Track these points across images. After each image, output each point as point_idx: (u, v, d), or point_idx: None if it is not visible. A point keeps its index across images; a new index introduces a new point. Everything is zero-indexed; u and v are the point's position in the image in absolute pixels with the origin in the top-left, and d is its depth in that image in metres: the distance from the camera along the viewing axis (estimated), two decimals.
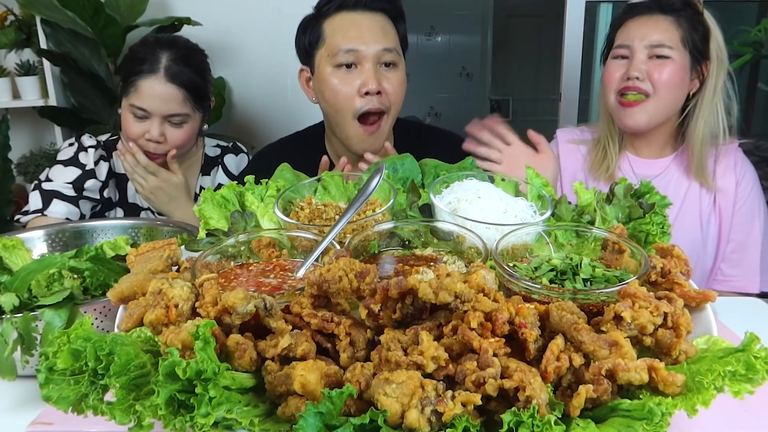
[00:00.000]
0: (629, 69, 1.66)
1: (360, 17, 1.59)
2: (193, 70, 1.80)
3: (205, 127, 1.92)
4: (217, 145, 2.05)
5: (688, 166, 1.76)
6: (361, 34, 1.56)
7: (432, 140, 1.86)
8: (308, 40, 1.64)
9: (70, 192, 1.81)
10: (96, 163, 1.86)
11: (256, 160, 1.90)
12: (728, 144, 1.76)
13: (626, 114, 1.69)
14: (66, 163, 1.84)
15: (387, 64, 1.60)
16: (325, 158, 1.53)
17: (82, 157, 1.85)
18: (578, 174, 1.85)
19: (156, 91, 1.74)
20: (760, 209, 1.77)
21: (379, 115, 1.60)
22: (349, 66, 1.57)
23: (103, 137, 1.94)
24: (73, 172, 1.82)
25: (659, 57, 1.64)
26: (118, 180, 1.92)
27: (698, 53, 1.66)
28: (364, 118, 1.60)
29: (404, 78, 1.65)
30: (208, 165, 2.01)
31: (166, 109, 1.75)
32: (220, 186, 1.99)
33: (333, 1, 1.60)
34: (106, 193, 1.88)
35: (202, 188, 1.93)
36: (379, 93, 1.57)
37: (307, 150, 1.74)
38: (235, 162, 2.04)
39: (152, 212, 1.93)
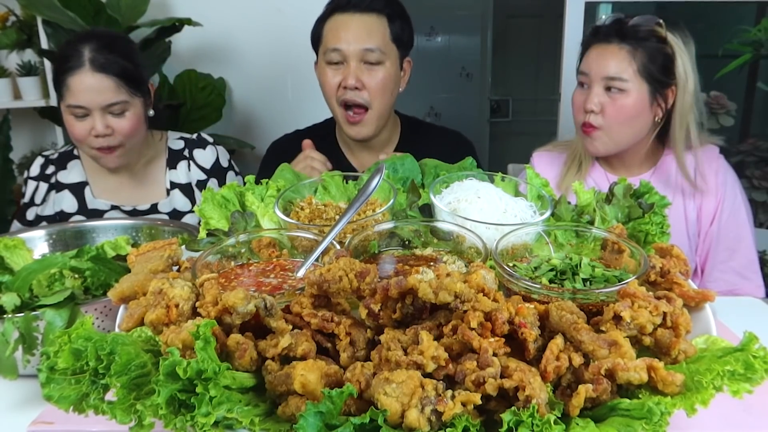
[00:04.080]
0: (586, 101, 1.67)
1: (350, 19, 1.74)
2: (120, 56, 1.75)
3: (151, 112, 1.86)
4: (181, 138, 2.00)
5: (672, 178, 1.77)
6: (347, 35, 1.73)
7: (434, 137, 1.98)
8: (313, 38, 1.84)
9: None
10: (35, 189, 1.87)
11: (272, 149, 2.03)
12: (707, 152, 1.77)
13: (585, 140, 1.73)
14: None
15: (371, 62, 1.73)
16: (306, 141, 1.74)
17: (26, 191, 1.89)
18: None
19: (86, 85, 1.69)
20: (747, 209, 1.80)
21: (360, 107, 1.76)
22: (336, 63, 1.75)
23: (59, 150, 1.94)
24: (20, 211, 1.89)
25: (615, 89, 1.64)
26: (73, 189, 1.87)
27: (658, 82, 1.65)
28: (349, 106, 1.77)
29: (390, 75, 1.77)
30: (174, 158, 1.95)
31: (101, 100, 1.70)
32: (198, 182, 1.92)
33: (330, 4, 1.80)
34: (52, 209, 1.85)
35: (172, 182, 1.89)
36: (357, 88, 1.73)
37: (319, 141, 1.81)
38: (203, 156, 1.97)
39: (119, 209, 1.86)
